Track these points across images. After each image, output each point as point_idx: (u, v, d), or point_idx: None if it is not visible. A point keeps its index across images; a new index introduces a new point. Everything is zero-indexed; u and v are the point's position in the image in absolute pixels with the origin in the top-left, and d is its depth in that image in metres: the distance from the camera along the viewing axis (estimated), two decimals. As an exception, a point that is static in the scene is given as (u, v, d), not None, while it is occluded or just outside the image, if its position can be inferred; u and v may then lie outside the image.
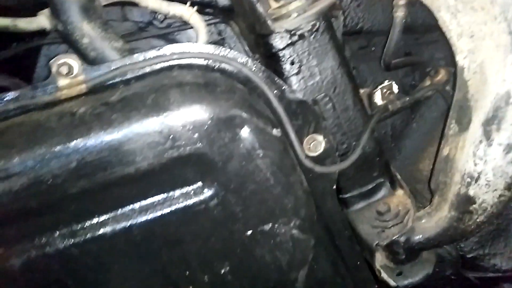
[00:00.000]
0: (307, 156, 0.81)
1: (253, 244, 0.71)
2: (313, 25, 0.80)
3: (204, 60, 0.72)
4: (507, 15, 0.63)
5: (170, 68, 0.71)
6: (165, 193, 0.66)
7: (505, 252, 1.02)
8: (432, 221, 0.89)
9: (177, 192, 0.66)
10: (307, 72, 0.83)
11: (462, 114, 0.80)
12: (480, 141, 0.76)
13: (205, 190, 0.66)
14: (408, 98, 0.92)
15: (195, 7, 0.86)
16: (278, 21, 0.79)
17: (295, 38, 0.80)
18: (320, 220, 0.81)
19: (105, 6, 0.80)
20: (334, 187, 0.85)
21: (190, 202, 0.66)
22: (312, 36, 0.81)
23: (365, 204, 0.97)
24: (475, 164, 0.78)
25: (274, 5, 0.78)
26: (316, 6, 0.77)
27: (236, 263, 0.71)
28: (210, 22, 1.03)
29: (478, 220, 0.85)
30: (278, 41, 0.80)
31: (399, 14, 0.82)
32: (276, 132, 0.68)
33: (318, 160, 0.82)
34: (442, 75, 1.01)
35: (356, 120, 0.89)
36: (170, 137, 0.61)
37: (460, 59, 0.76)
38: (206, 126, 0.62)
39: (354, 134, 0.89)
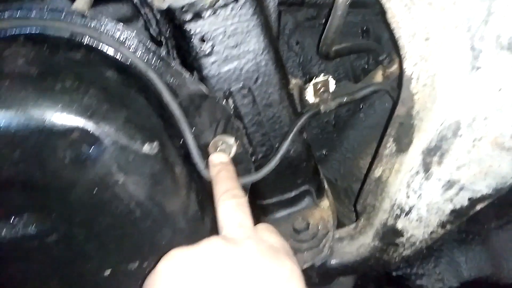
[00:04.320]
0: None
1: (113, 286, 0.54)
2: None
3: (60, 33, 0.51)
4: (471, 24, 0.45)
5: (13, 39, 0.49)
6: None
7: (433, 274, 0.92)
8: (353, 247, 0.76)
9: (-2, 223, 0.47)
10: (222, 54, 0.62)
11: (402, 133, 0.64)
12: (417, 172, 0.61)
13: (37, 223, 0.47)
14: (345, 99, 0.74)
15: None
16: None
17: (205, 9, 0.59)
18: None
19: None
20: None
21: (15, 236, 0.48)
22: (230, 8, 0.60)
23: (285, 214, 0.83)
24: (408, 196, 0.64)
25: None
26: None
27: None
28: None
29: (403, 253, 0.73)
30: (183, 13, 0.59)
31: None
32: (148, 148, 0.49)
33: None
34: (396, 66, 0.82)
35: (282, 118, 0.71)
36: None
37: (408, 66, 0.58)
38: (31, 141, 0.42)
39: (277, 134, 0.72)
